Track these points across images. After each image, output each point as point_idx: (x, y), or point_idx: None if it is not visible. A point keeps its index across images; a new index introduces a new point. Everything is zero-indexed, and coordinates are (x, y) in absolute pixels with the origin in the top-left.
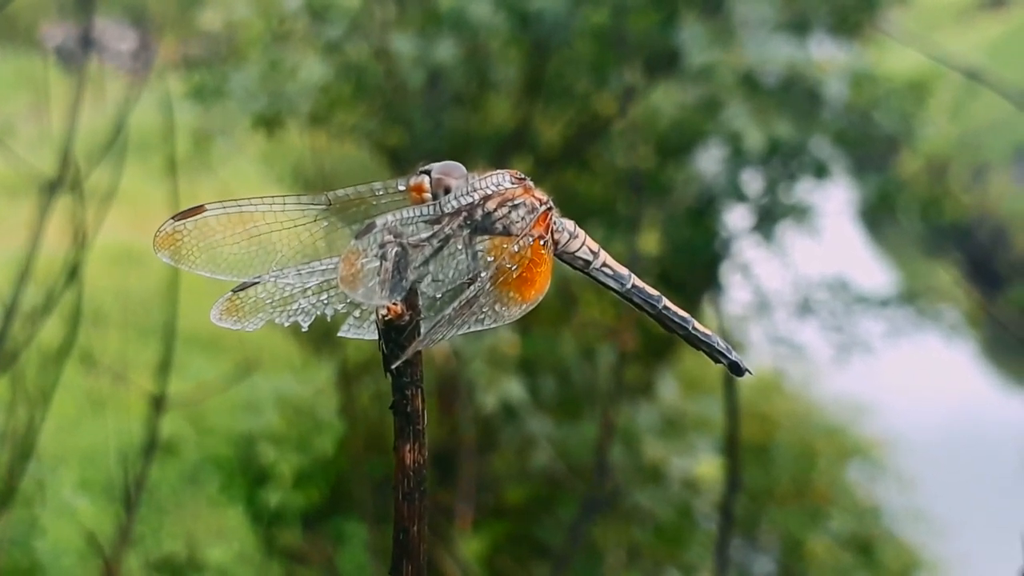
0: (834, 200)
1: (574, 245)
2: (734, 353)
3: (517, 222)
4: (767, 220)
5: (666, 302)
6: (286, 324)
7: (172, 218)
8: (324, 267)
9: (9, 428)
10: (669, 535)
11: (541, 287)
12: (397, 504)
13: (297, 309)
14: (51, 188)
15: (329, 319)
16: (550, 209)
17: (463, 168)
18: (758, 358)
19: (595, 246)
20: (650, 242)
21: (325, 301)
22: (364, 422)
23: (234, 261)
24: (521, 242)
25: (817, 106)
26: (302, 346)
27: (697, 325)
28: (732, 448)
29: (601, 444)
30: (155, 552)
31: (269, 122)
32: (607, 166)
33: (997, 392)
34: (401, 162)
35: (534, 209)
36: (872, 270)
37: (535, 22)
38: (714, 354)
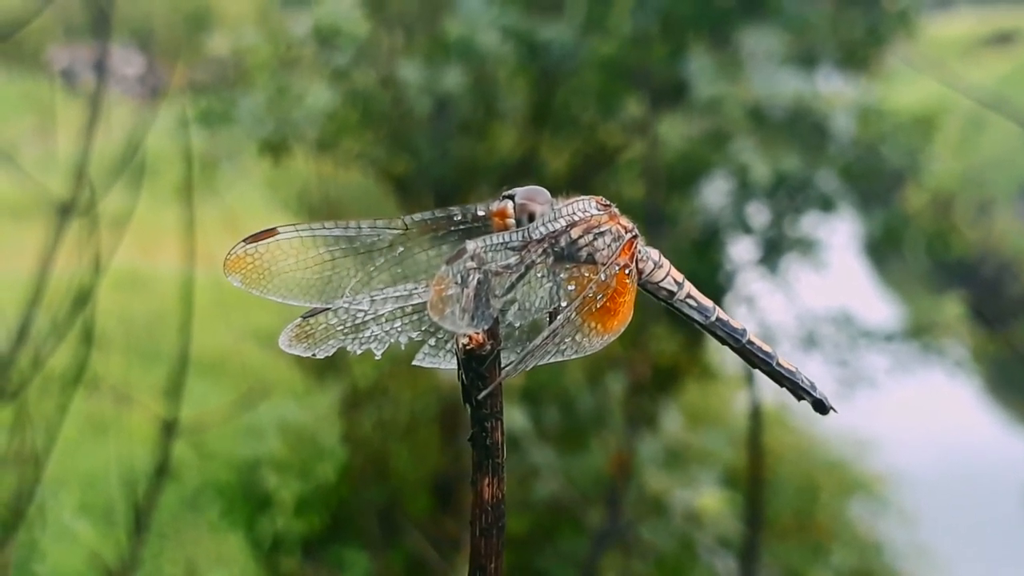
0: (840, 234)
1: (658, 275)
2: (819, 390)
3: (602, 250)
4: (772, 253)
5: (751, 336)
6: (358, 352)
7: (244, 241)
8: (399, 293)
9: (15, 453)
10: (670, 568)
11: (624, 318)
12: (474, 540)
13: (370, 336)
14: (64, 211)
15: (403, 347)
16: (635, 237)
17: (547, 193)
18: (761, 391)
19: (680, 276)
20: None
21: (399, 328)
22: (366, 449)
23: (306, 286)
24: (606, 271)
25: (824, 140)
26: (305, 373)
27: (781, 360)
28: (754, 488)
29: (615, 480)
30: None
31: (275, 148)
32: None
33: (1000, 429)
34: (407, 190)
35: (620, 237)
36: (877, 305)
37: (543, 52)
38: (798, 391)
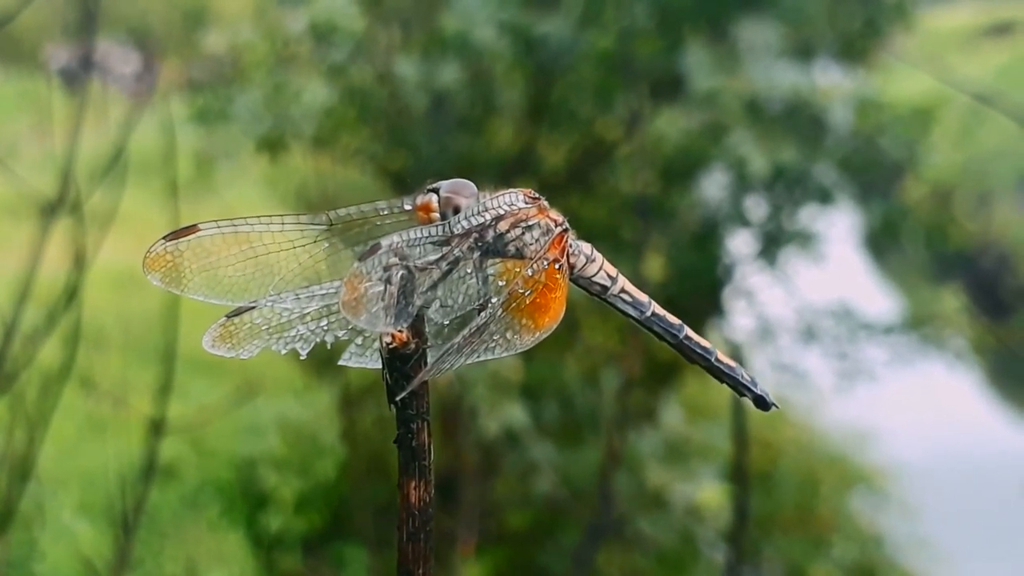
0: (838, 226)
1: (591, 269)
2: (759, 386)
3: (531, 244)
4: (771, 246)
5: (688, 331)
6: (283, 351)
7: (163, 238)
8: (324, 291)
9: (8, 450)
10: (671, 562)
11: (556, 314)
12: (401, 545)
13: (296, 336)
14: (51, 209)
15: (329, 347)
16: (566, 231)
17: (473, 186)
18: (761, 385)
19: (613, 271)
20: (654, 268)
21: (325, 327)
22: (366, 447)
23: (229, 284)
24: (535, 266)
25: (822, 132)
26: (304, 370)
27: (720, 356)
28: (741, 478)
29: (605, 471)
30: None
31: (273, 145)
32: (611, 191)
33: (1001, 420)
34: (405, 186)
35: (549, 231)
36: (876, 297)
37: (539, 47)
38: (738, 387)
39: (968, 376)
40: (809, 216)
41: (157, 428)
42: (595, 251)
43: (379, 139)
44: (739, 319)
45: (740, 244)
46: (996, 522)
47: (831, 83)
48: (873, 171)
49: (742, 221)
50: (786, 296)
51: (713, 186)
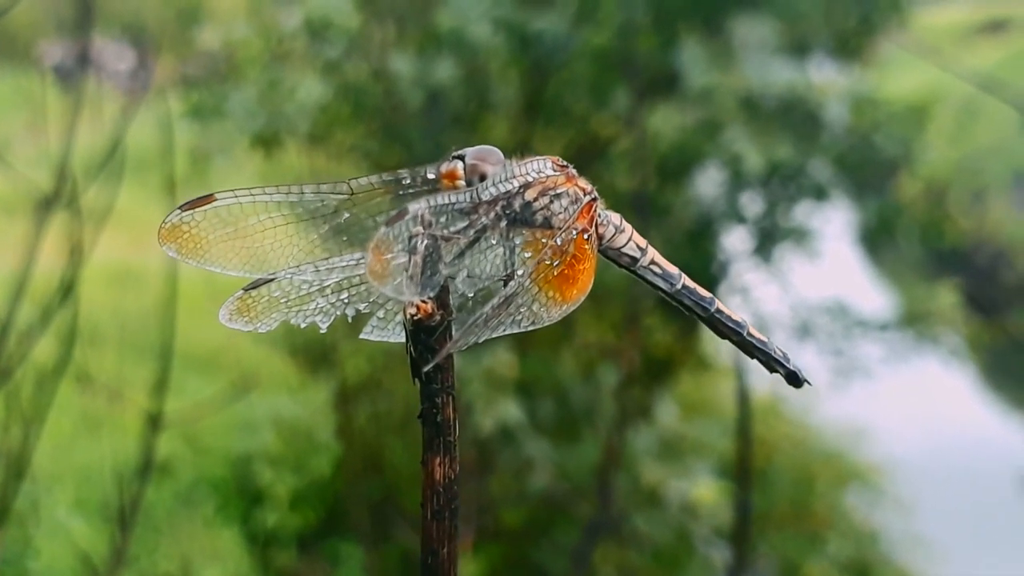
0: (833, 223)
1: (620, 240)
2: (792, 362)
3: (559, 213)
4: (766, 243)
5: (719, 304)
6: (303, 325)
7: (179, 207)
8: (345, 263)
9: (3, 446)
10: (667, 559)
11: (584, 286)
12: (425, 524)
13: (315, 309)
14: (47, 205)
15: (350, 320)
16: (595, 200)
17: (500, 153)
18: (756, 381)
19: (643, 242)
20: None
21: (345, 300)
22: (361, 443)
23: (247, 256)
24: (563, 236)
25: (817, 129)
26: (299, 367)
27: (752, 331)
28: (744, 475)
29: (604, 468)
30: (150, 573)
31: (267, 141)
32: (607, 188)
33: (996, 417)
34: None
35: (577, 200)
36: (871, 294)
37: (535, 43)
38: (771, 362)
39: (963, 373)
40: (804, 213)
41: (154, 422)
42: (624, 221)
43: (374, 136)
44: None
45: (735, 241)
46: (991, 518)
47: (826, 80)
48: (868, 168)
49: (737, 218)
50: (781, 293)
51: (708, 183)
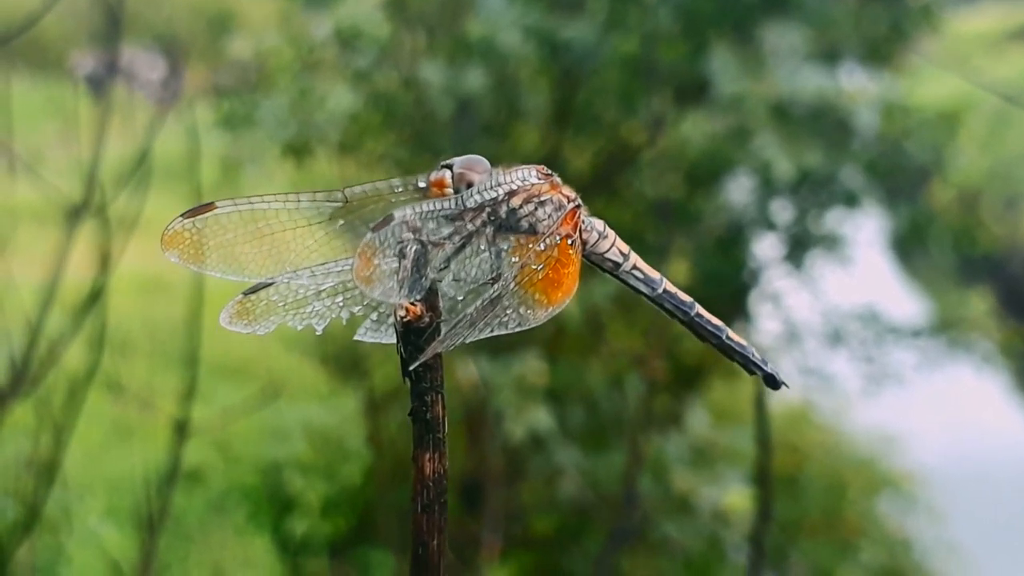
0: (865, 230)
1: (603, 245)
2: (770, 365)
3: (543, 220)
4: (797, 249)
5: (699, 309)
6: (299, 327)
7: (181, 215)
8: (340, 268)
9: (34, 454)
10: (698, 567)
11: (568, 289)
12: (415, 517)
13: (311, 312)
14: (76, 213)
15: (345, 322)
16: (578, 207)
17: (487, 162)
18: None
19: (625, 248)
20: (679, 272)
21: (341, 303)
22: (391, 451)
23: (246, 261)
24: (547, 240)
25: (848, 136)
26: (330, 374)
27: (731, 334)
28: (764, 478)
29: (629, 474)
30: None
31: (298, 150)
32: (636, 195)
33: None
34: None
35: (561, 206)
36: (903, 300)
37: (564, 51)
38: (749, 365)
39: (996, 380)
40: (835, 220)
41: (181, 430)
42: (607, 228)
43: (404, 144)
44: (765, 323)
45: (766, 248)
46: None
47: (857, 87)
48: (900, 174)
49: (768, 225)
50: (812, 300)
51: (738, 190)
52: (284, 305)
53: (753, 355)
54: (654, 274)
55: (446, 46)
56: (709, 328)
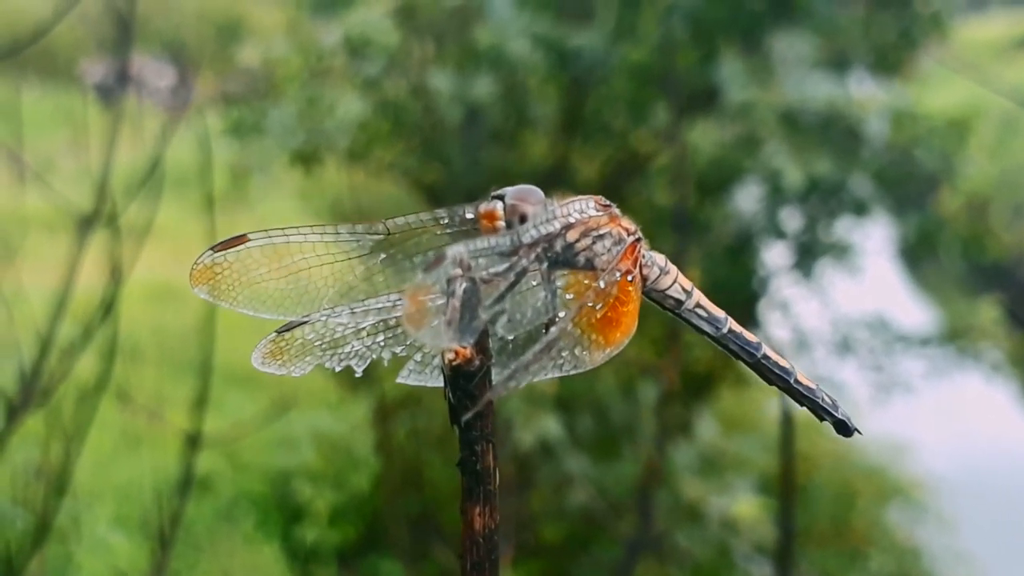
0: (874, 238)
1: (665, 282)
2: (841, 410)
3: (602, 255)
4: (806, 258)
5: (766, 350)
6: (337, 369)
7: (211, 249)
8: (381, 305)
9: (44, 464)
10: (707, 575)
11: (627, 329)
12: (465, 574)
13: (350, 352)
14: (87, 223)
15: (386, 363)
16: (639, 240)
17: (540, 192)
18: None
19: (688, 284)
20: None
21: (382, 343)
22: (400, 459)
23: (280, 297)
24: (607, 278)
25: (857, 144)
26: (339, 383)
27: (800, 377)
28: (787, 493)
29: (644, 485)
30: None
31: (307, 158)
32: (645, 204)
33: None
34: (438, 199)
35: (621, 240)
36: (912, 309)
37: (573, 59)
38: (817, 411)
39: (1005, 388)
40: (844, 228)
41: (193, 442)
42: (669, 263)
43: (413, 152)
44: (774, 331)
45: (775, 256)
46: None
47: (866, 95)
48: (909, 183)
49: (777, 233)
50: (821, 308)
51: (748, 198)
52: (321, 344)
53: (823, 400)
54: (719, 312)
55: (455, 54)
56: (776, 372)
